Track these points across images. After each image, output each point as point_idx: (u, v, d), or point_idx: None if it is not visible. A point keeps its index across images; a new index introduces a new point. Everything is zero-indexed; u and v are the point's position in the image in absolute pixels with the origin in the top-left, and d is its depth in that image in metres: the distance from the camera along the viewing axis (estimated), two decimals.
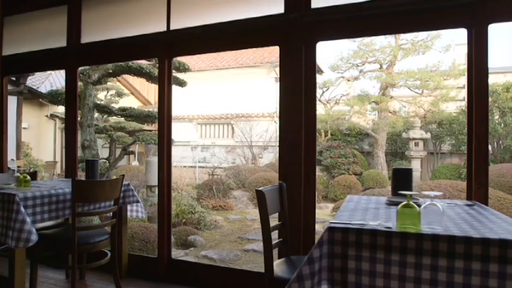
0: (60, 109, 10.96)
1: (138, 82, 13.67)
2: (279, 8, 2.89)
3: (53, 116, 12.11)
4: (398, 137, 10.81)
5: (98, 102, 7.88)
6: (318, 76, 13.04)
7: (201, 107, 13.20)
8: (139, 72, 5.96)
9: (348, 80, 11.82)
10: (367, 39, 10.97)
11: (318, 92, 12.07)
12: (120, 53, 3.72)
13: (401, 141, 10.81)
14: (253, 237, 5.66)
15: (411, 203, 1.48)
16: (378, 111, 11.30)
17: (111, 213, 2.88)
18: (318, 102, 12.07)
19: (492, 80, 10.28)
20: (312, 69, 2.82)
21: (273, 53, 12.59)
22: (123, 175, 2.88)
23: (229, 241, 5.69)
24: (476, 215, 1.83)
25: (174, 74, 7.02)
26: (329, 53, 29.31)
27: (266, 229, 1.94)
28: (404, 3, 2.57)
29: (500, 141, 9.20)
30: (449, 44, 10.71)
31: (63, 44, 3.83)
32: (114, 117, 7.86)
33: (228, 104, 12.71)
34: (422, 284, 1.37)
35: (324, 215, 7.27)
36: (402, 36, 10.77)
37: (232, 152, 12.09)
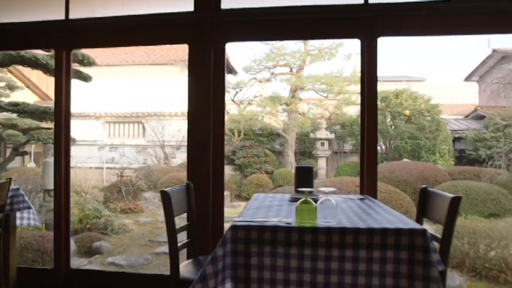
0: None
1: (36, 74, 12.25)
2: (188, 6, 2.86)
3: None
4: (307, 137, 11.46)
5: None
6: (231, 76, 13.17)
7: (110, 104, 12.35)
8: (34, 64, 5.35)
9: (261, 82, 12.20)
10: (278, 44, 11.43)
11: (232, 92, 12.23)
12: (8, 40, 3.30)
13: (309, 141, 11.49)
14: (165, 240, 5.44)
15: (308, 199, 1.58)
16: (288, 113, 11.85)
17: None
18: (231, 102, 12.25)
19: (386, 87, 11.53)
20: (221, 69, 2.84)
21: (187, 51, 12.33)
22: (10, 178, 2.56)
23: (139, 245, 5.44)
24: (365, 208, 2.03)
25: (78, 67, 6.49)
26: (243, 54, 29.89)
27: (171, 230, 1.90)
28: (308, 11, 2.75)
29: (391, 142, 10.37)
30: (351, 53, 11.71)
31: None
32: (4, 113, 6.94)
33: (139, 101, 12.10)
34: (317, 273, 1.48)
35: (236, 213, 7.38)
36: (310, 42, 11.45)
37: (143, 152, 11.58)
